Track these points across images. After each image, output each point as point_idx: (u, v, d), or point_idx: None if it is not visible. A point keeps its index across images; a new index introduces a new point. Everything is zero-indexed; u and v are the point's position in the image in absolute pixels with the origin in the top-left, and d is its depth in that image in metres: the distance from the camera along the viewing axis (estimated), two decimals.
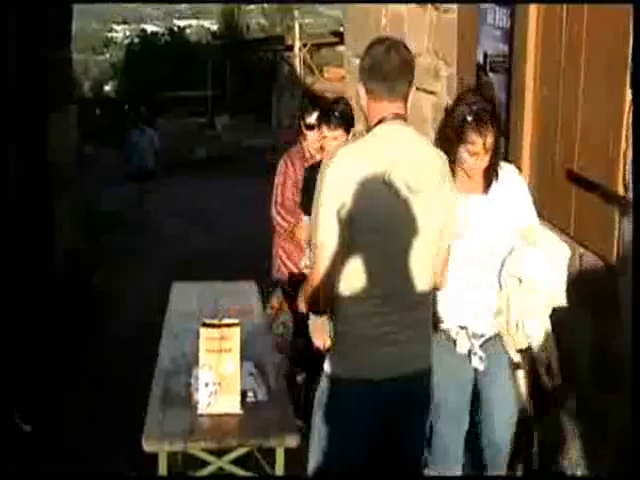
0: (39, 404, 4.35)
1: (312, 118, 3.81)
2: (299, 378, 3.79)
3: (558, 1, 3.10)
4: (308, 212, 3.45)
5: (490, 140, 2.66)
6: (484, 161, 2.69)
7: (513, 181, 2.83)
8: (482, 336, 2.77)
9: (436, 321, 2.66)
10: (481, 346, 2.76)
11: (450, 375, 2.70)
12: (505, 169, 2.82)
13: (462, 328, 2.76)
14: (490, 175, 2.75)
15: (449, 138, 2.68)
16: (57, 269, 6.24)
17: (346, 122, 3.52)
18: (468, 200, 2.69)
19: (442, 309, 2.73)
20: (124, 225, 9.89)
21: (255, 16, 28.65)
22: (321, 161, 3.40)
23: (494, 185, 2.78)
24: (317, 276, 2.20)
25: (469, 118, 2.63)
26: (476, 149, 2.65)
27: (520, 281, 2.68)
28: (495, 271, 2.74)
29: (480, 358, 2.76)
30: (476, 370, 2.79)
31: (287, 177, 3.91)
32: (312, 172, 3.52)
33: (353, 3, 5.86)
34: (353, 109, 3.58)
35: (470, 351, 2.76)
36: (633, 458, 1.30)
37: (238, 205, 10.88)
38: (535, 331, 2.71)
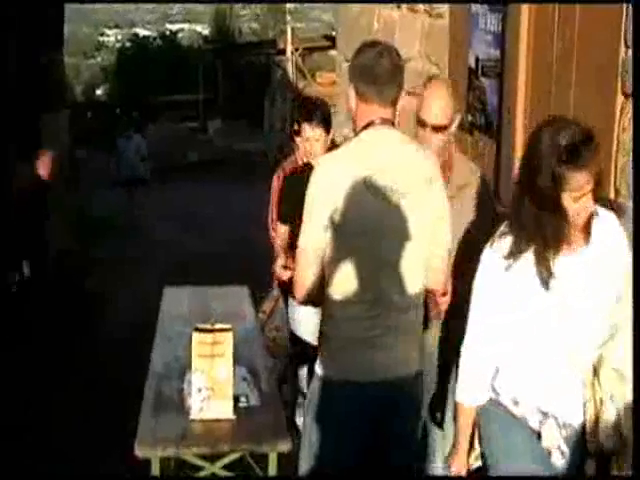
0: (32, 404, 4.36)
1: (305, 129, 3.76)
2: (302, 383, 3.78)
3: (558, 1, 3.08)
4: (284, 220, 3.46)
5: (593, 172, 1.98)
6: (589, 200, 2.01)
7: (611, 230, 2.13)
8: (570, 426, 2.14)
9: (498, 397, 2.17)
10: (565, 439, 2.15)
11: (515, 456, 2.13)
12: (600, 213, 2.12)
13: (547, 415, 2.13)
14: (588, 223, 2.07)
15: (542, 189, 1.98)
16: (49, 270, 6.26)
17: (326, 122, 3.47)
18: (559, 260, 2.06)
19: (518, 387, 2.15)
20: (115, 229, 9.88)
21: (247, 20, 28.69)
22: (302, 168, 3.40)
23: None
24: (299, 278, 2.24)
25: (564, 157, 1.95)
26: (582, 192, 1.98)
27: (622, 376, 2.08)
28: (591, 347, 2.11)
29: (563, 454, 2.14)
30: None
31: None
32: (292, 180, 3.46)
33: (346, 3, 5.86)
34: (331, 112, 3.57)
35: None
36: (634, 458, 1.30)
37: (230, 209, 10.88)
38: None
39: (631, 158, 2.53)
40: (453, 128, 2.81)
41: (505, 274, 2.08)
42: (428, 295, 2.48)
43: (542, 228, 2.02)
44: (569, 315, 2.07)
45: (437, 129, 2.74)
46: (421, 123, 2.77)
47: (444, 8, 4.26)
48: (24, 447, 3.89)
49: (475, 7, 3.83)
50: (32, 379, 4.66)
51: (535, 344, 2.10)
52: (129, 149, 11.23)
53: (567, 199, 1.98)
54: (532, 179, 2.01)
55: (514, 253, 2.07)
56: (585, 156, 1.95)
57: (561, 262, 2.05)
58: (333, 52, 11.74)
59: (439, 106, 2.74)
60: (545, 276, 2.04)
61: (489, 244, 2.14)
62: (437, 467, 2.95)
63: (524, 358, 2.13)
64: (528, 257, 2.06)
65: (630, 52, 2.61)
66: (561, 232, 2.02)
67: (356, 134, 2.30)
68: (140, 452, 2.36)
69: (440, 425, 2.93)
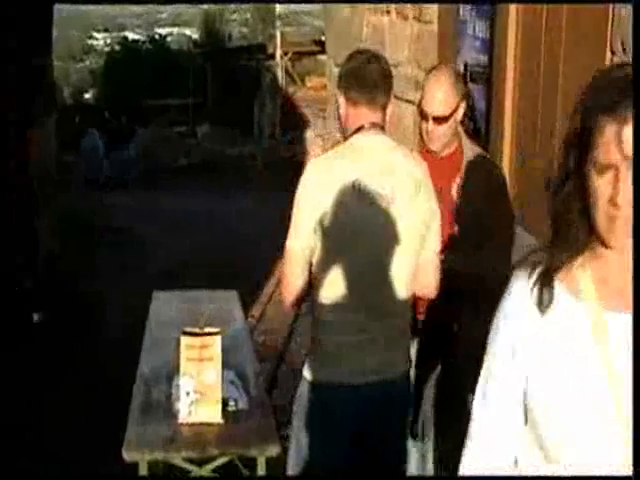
0: (31, 404, 4.36)
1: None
2: None
3: (560, 1, 3.07)
4: None
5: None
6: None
7: None
8: None
9: None
10: None
11: None
12: None
13: None
14: None
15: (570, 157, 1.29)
16: (40, 271, 6.27)
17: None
18: (609, 319, 1.30)
19: None
20: (103, 232, 9.85)
21: (237, 25, 28.68)
22: None
23: None
24: (287, 280, 2.25)
25: (604, 102, 1.21)
26: (613, 157, 1.20)
27: None
28: None
29: None
30: None
31: None
32: None
33: (341, 3, 5.86)
34: None
35: None
36: (634, 458, 1.28)
37: (220, 213, 10.87)
38: None
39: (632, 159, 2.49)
40: (458, 117, 2.70)
41: (536, 320, 1.34)
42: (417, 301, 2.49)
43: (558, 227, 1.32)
44: (620, 391, 1.31)
45: (439, 120, 2.64)
46: (423, 115, 2.67)
47: (433, 14, 4.28)
48: (23, 447, 3.89)
49: (463, 13, 3.87)
50: (30, 379, 4.66)
51: (573, 438, 1.33)
52: (87, 149, 11.07)
53: (594, 175, 1.23)
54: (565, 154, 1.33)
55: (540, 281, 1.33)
56: (628, 102, 1.20)
57: (614, 317, 1.31)
58: (323, 57, 11.78)
59: (440, 96, 2.63)
60: (543, 300, 1.31)
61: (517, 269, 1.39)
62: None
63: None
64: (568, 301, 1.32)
65: (615, 58, 2.64)
66: (579, 231, 1.28)
67: (345, 139, 2.31)
68: (128, 456, 2.36)
69: (416, 436, 2.91)
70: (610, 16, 2.65)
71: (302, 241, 2.20)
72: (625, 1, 2.47)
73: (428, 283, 2.36)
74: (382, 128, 2.27)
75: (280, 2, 19.71)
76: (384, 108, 2.27)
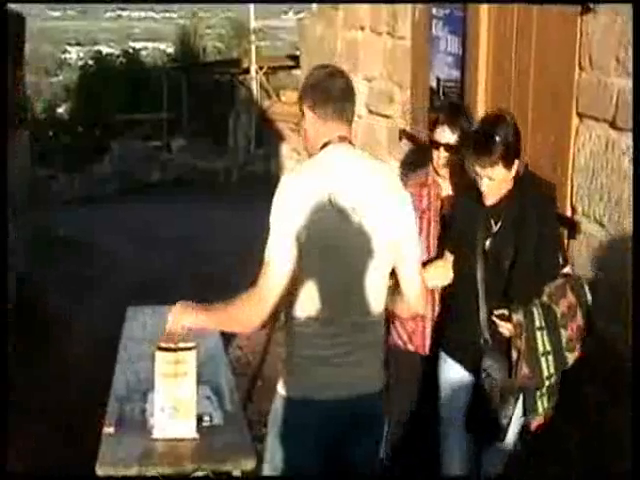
0: None
1: (438, 134, 2.88)
2: None
3: (559, 2, 3.05)
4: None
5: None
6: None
7: None
8: None
9: None
10: None
11: None
12: None
13: None
14: None
15: None
16: (10, 287, 6.16)
17: (508, 153, 2.51)
18: None
19: None
20: (77, 249, 9.75)
21: (212, 39, 28.71)
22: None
23: None
24: (263, 294, 2.19)
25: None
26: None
27: None
28: None
29: None
30: None
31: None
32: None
33: (339, 4, 5.82)
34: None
35: None
36: (634, 456, 1.30)
37: (193, 228, 10.84)
38: None
39: (632, 156, 2.48)
40: None
41: None
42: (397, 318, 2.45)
43: None
44: None
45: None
46: None
47: (406, 30, 4.34)
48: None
49: (436, 30, 3.92)
50: None
51: None
52: None
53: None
54: None
55: None
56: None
57: None
58: (297, 71, 11.83)
59: None
60: None
61: None
62: None
63: None
64: None
65: (583, 74, 2.69)
66: None
67: (310, 155, 2.29)
68: (102, 471, 2.33)
69: None
70: (578, 34, 2.70)
71: (275, 253, 2.18)
72: (625, 1, 2.49)
73: (416, 296, 2.31)
74: (350, 142, 2.26)
75: (283, 2, 19.63)
76: (351, 122, 2.27)
